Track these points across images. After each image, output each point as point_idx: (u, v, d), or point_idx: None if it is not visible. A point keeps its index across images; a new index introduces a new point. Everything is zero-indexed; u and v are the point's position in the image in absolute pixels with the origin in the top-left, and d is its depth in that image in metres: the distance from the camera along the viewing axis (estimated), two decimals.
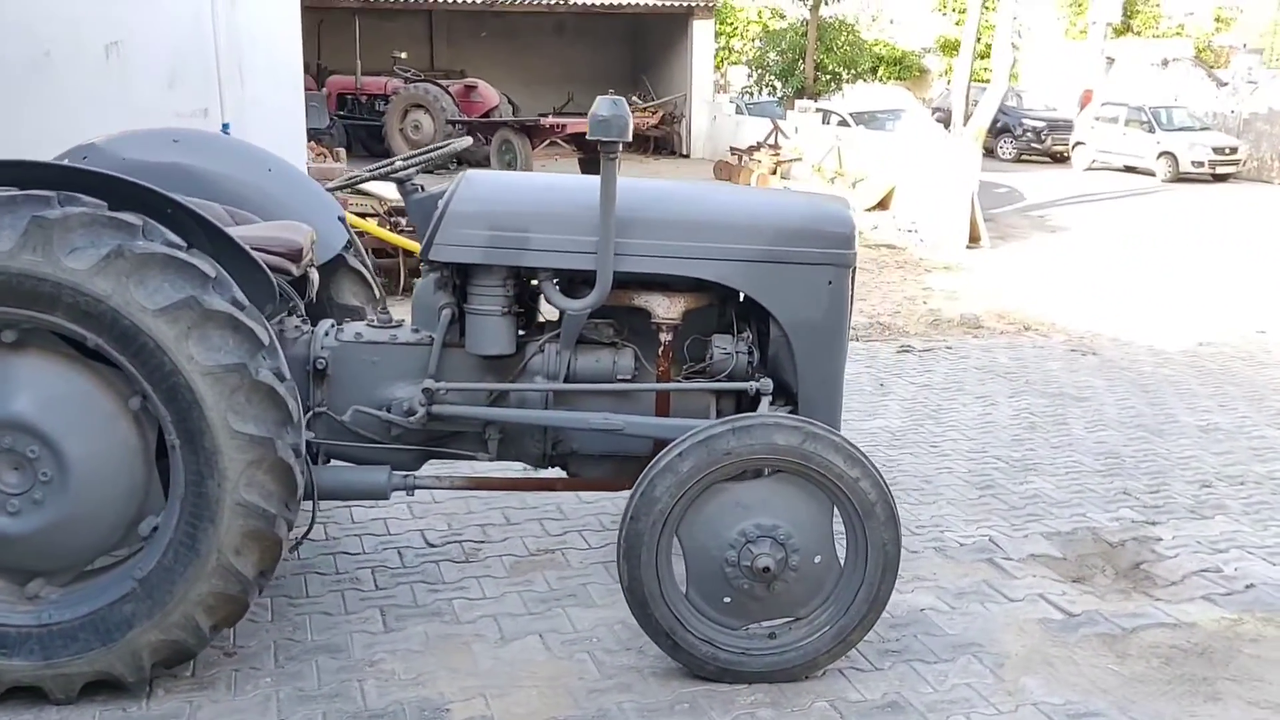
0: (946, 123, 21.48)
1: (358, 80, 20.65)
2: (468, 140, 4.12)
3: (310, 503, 3.61)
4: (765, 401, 3.62)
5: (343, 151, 15.52)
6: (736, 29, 36.29)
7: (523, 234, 3.61)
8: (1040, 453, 5.63)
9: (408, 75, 19.88)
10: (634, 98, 23.57)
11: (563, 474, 3.95)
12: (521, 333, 3.90)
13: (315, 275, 3.95)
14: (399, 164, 3.87)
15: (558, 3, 24.18)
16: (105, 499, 3.16)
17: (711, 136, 22.32)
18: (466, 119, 18.71)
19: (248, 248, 3.33)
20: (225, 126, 6.83)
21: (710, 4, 23.93)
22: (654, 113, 22.42)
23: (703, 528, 3.35)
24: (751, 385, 3.66)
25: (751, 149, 18.72)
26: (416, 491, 3.84)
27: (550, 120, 17.63)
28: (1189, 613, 3.94)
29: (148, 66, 6.80)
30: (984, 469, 5.37)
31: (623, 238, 3.59)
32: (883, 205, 15.60)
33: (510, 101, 23.68)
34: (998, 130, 27.80)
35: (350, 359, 3.79)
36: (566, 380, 3.75)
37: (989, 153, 27.74)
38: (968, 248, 13.69)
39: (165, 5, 6.76)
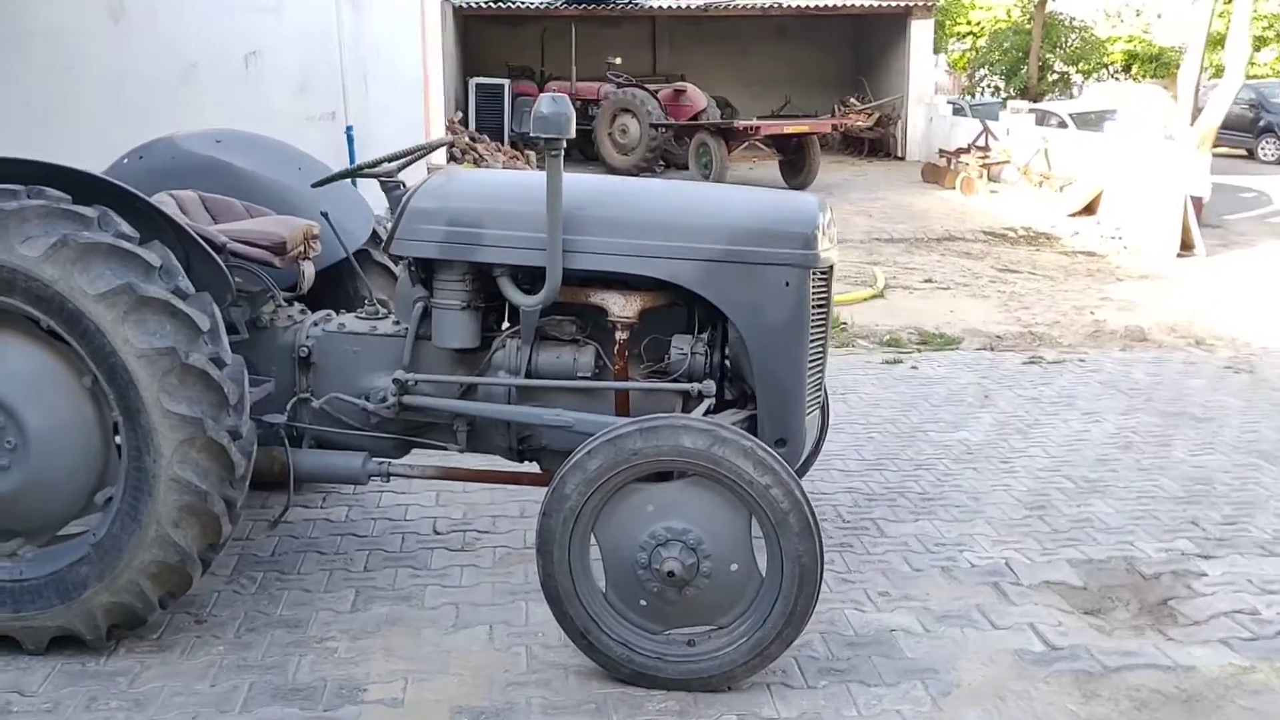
0: None
1: (572, 86, 21.22)
2: (448, 139, 4.22)
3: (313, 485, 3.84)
4: (704, 404, 3.54)
5: (532, 155, 16.03)
6: (983, 28, 35.01)
7: (477, 230, 3.68)
8: (1120, 474, 5.20)
9: (620, 80, 20.26)
10: (851, 99, 23.19)
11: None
12: (506, 326, 3.98)
13: (308, 268, 4.13)
14: (381, 161, 4.00)
15: (775, 5, 24.04)
16: (65, 468, 3.43)
17: (928, 138, 21.62)
18: (670, 122, 18.90)
19: (201, 241, 3.54)
20: (349, 129, 7.25)
21: (929, 4, 23.18)
22: (869, 115, 21.93)
23: (617, 528, 3.31)
24: (694, 386, 3.58)
25: (959, 151, 18.05)
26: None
27: (744, 123, 17.55)
28: (1194, 655, 3.56)
29: (281, 74, 7.30)
30: (1045, 489, 5.01)
31: (574, 235, 3.60)
32: (1089, 210, 14.72)
33: (729, 105, 23.76)
34: (1259, 130, 25.69)
35: (333, 348, 3.97)
36: (527, 375, 3.79)
37: (1249, 154, 25.66)
38: (1179, 256, 12.70)
39: (297, 18, 7.23)
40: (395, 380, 3.81)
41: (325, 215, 4.10)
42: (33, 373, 3.40)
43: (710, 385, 3.59)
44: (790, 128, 17.20)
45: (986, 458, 5.44)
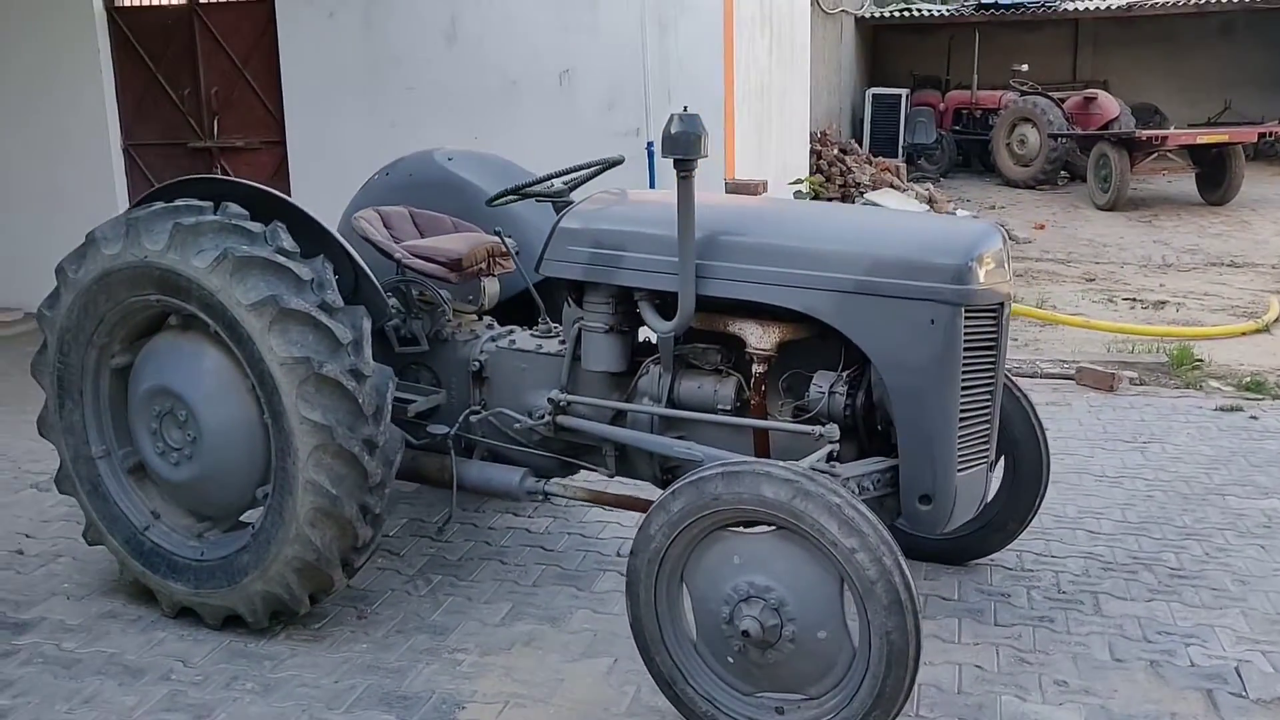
0: None
1: (973, 94, 20.28)
2: (622, 158, 4.12)
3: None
4: (823, 451, 3.21)
5: (903, 168, 15.43)
6: None
7: (618, 252, 3.60)
8: None
9: (1024, 88, 19.06)
10: None
11: None
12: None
13: (490, 284, 4.21)
14: (550, 179, 4.00)
15: (1218, 1, 21.57)
16: (233, 461, 3.73)
17: None
18: (1074, 132, 17.50)
19: (358, 258, 3.70)
20: (649, 145, 7.34)
21: None
22: None
23: (704, 577, 3.09)
24: (816, 429, 3.27)
25: None
26: None
27: (1149, 133, 15.83)
28: None
29: (591, 91, 7.52)
30: None
31: (709, 260, 3.43)
32: None
33: (1157, 112, 21.70)
34: None
35: (503, 364, 4.04)
36: (669, 404, 3.65)
37: None
38: None
39: (607, 35, 7.41)
40: (550, 399, 3.81)
41: (499, 232, 4.15)
42: (210, 373, 3.72)
43: (834, 429, 3.26)
44: (1205, 137, 15.35)
45: (1257, 528, 4.55)
